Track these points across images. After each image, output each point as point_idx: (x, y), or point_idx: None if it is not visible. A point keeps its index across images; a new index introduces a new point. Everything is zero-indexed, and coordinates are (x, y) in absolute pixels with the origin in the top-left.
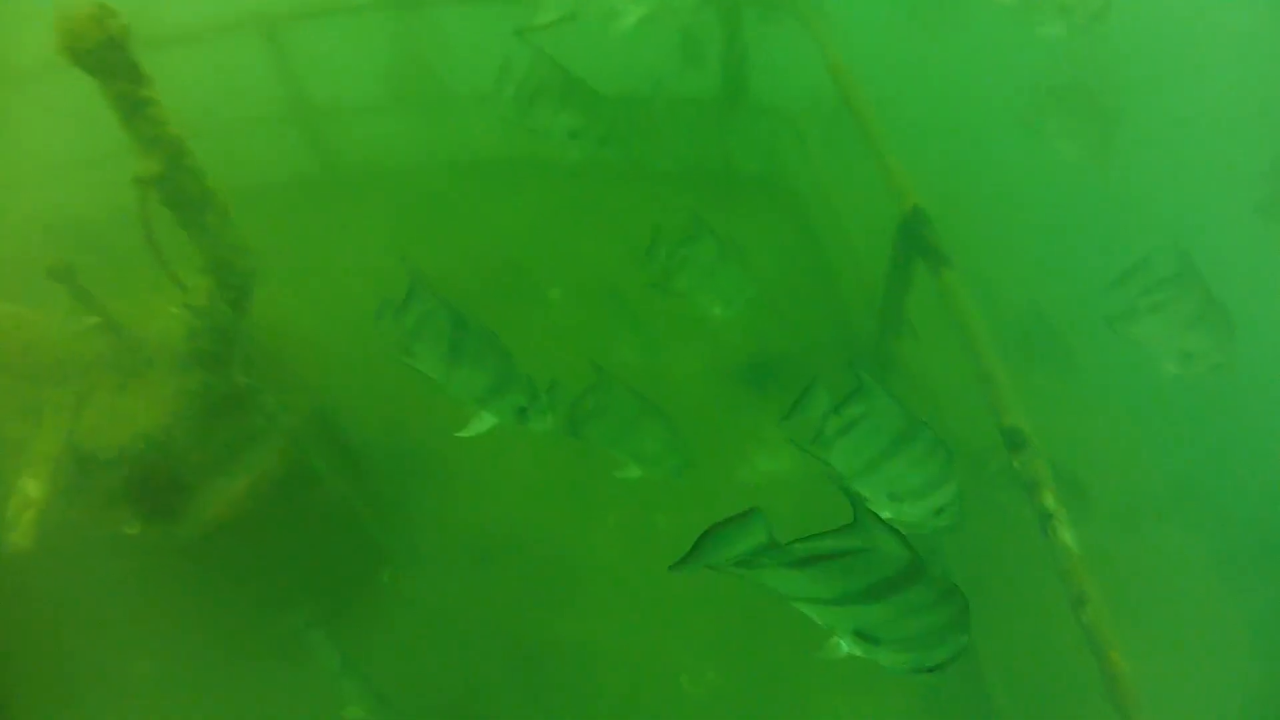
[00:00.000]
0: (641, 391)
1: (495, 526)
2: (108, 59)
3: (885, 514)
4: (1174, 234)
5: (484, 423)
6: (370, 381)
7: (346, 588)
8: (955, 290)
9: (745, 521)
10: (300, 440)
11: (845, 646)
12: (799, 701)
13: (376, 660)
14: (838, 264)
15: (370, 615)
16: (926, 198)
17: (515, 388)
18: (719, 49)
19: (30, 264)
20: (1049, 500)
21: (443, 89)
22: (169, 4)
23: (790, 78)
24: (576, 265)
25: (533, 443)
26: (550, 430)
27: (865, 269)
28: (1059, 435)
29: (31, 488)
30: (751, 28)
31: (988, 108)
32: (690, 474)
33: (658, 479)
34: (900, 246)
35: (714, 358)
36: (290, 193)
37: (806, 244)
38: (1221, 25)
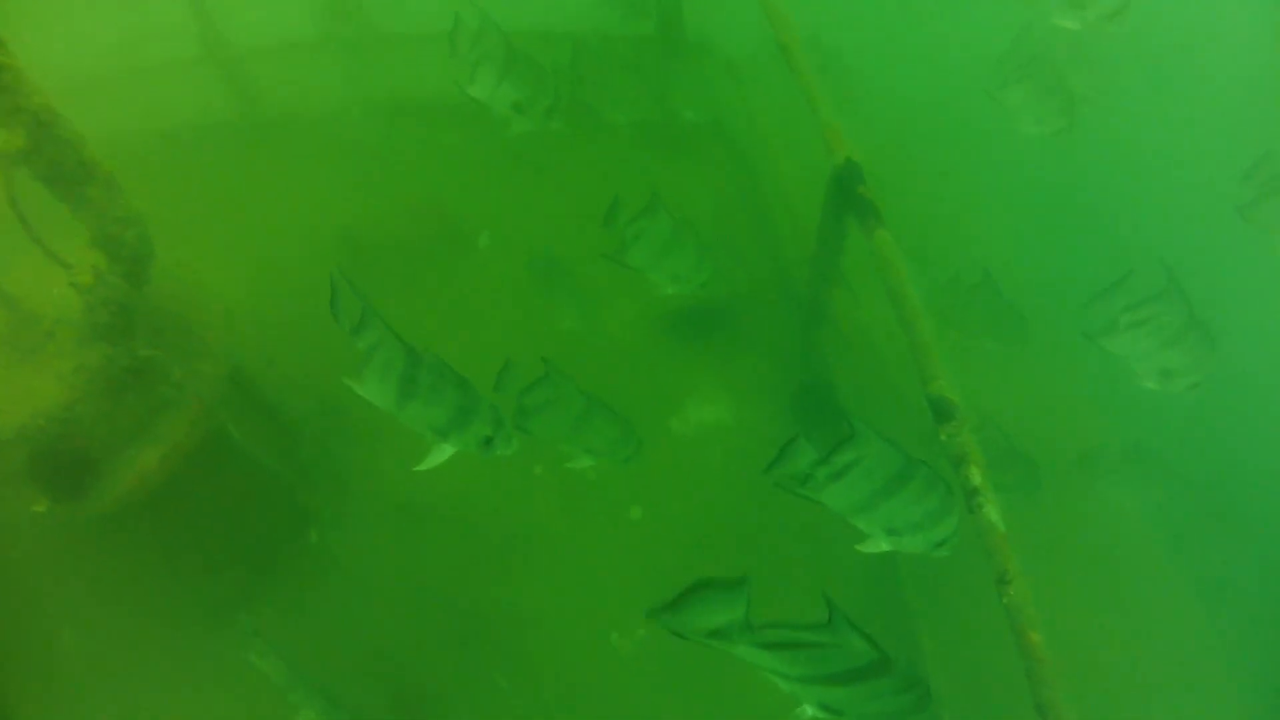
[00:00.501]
0: (582, 362)
1: (421, 482)
2: None
3: (884, 546)
4: (1135, 214)
5: (442, 454)
6: (293, 340)
7: (273, 551)
8: (887, 251)
9: (731, 590)
10: (214, 407)
11: (810, 712)
12: (728, 657)
13: (306, 623)
14: (776, 213)
15: (299, 578)
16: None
17: (480, 418)
18: None
19: None
20: (975, 475)
21: (373, 28)
22: None
23: (731, 20)
24: (509, 212)
25: None
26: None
27: (804, 219)
28: (1008, 400)
29: None
30: None
31: (964, 79)
32: None
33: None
34: (831, 200)
35: (648, 306)
36: (209, 141)
37: (745, 192)
38: (1213, 15)
